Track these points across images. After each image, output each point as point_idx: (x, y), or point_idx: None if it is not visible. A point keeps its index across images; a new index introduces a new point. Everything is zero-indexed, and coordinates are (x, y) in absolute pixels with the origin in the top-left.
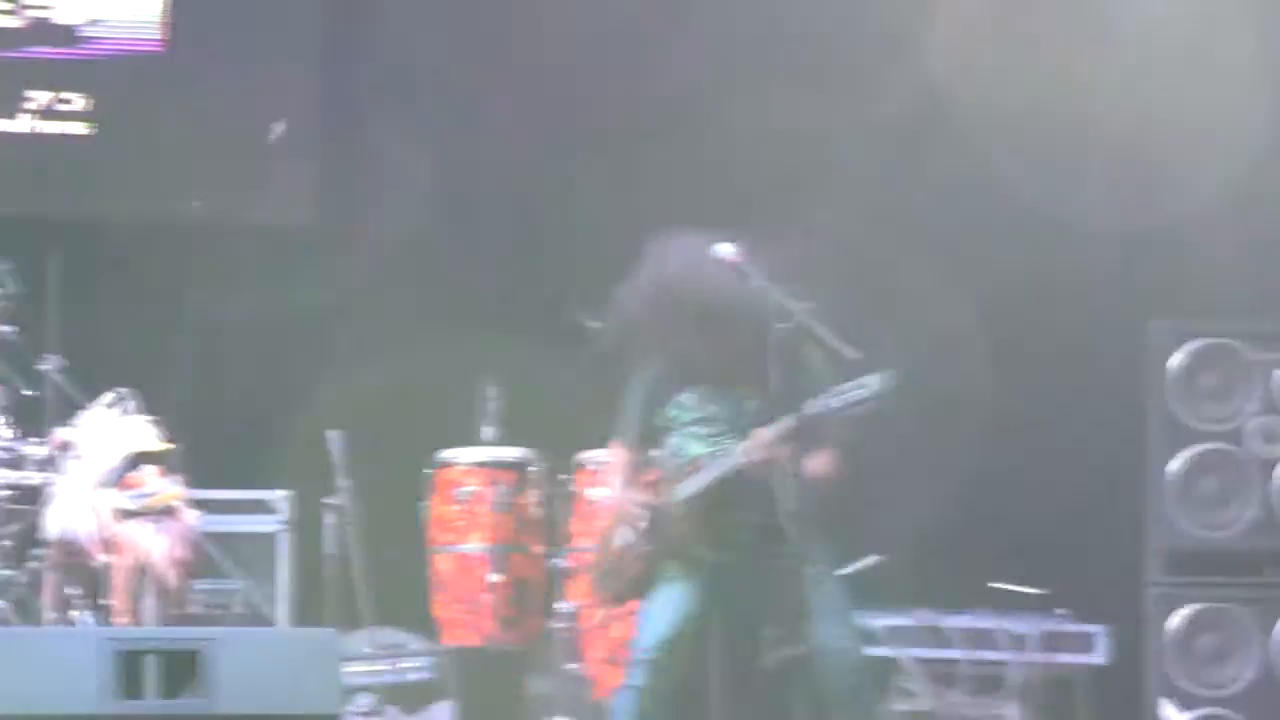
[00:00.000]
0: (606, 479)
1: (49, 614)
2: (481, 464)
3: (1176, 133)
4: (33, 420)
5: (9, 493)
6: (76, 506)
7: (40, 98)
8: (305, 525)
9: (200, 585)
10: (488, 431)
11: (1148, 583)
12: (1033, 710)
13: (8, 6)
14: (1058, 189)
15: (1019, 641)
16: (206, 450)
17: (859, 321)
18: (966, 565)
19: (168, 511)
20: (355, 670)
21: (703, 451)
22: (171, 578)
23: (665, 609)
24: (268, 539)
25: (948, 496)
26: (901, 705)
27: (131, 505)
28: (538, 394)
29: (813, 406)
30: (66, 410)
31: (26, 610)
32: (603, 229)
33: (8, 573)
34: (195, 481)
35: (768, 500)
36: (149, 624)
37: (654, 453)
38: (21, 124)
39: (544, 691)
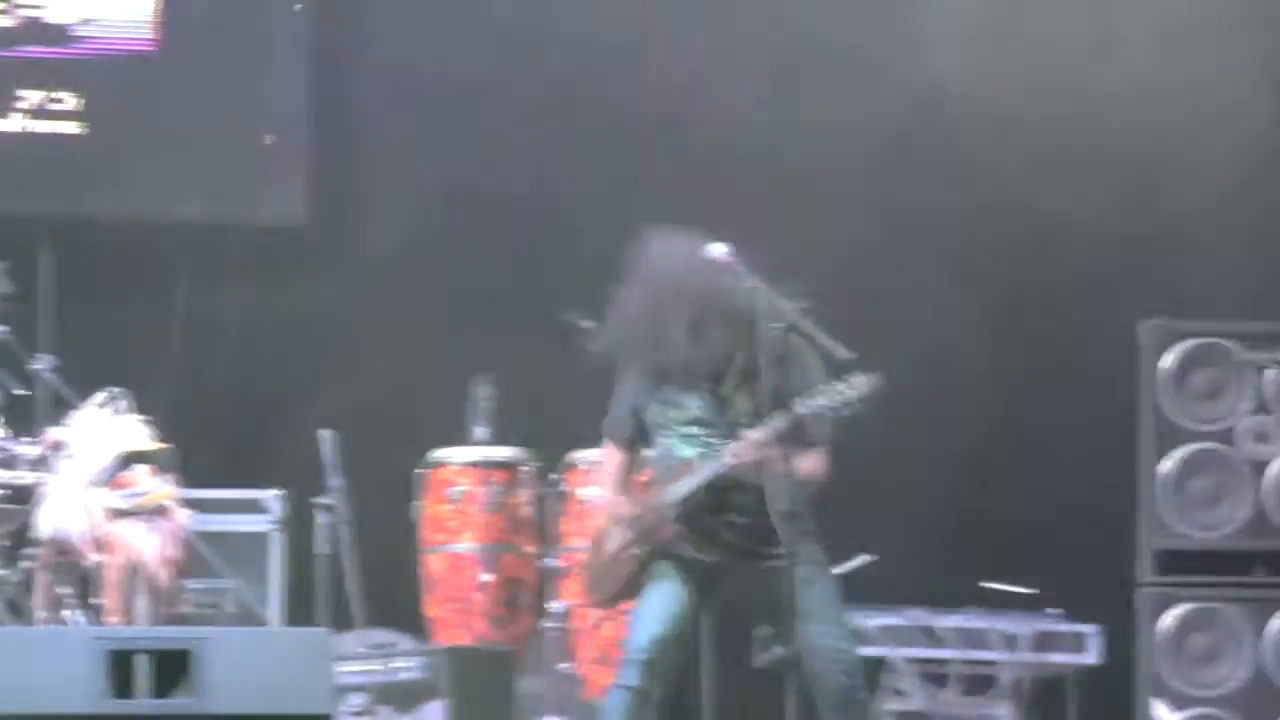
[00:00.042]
0: (599, 479)
1: (40, 613)
2: (473, 464)
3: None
4: (25, 420)
5: (1, 492)
6: (68, 506)
7: (32, 97)
8: (297, 525)
9: (192, 585)
10: (480, 431)
11: (1139, 583)
12: (1024, 710)
13: (0, 6)
14: (1050, 188)
15: (1011, 641)
16: (198, 450)
17: (851, 322)
18: (958, 565)
19: (160, 511)
20: (347, 670)
21: (693, 453)
22: (163, 577)
23: (657, 609)
24: (260, 539)
25: (939, 496)
26: (893, 705)
27: (123, 505)
28: (530, 394)
29: (803, 406)
30: (58, 410)
31: (18, 610)
32: (595, 229)
33: (0, 572)
34: (187, 481)
35: (758, 501)
36: (141, 623)
37: (646, 453)
38: (13, 123)
39: (535, 691)
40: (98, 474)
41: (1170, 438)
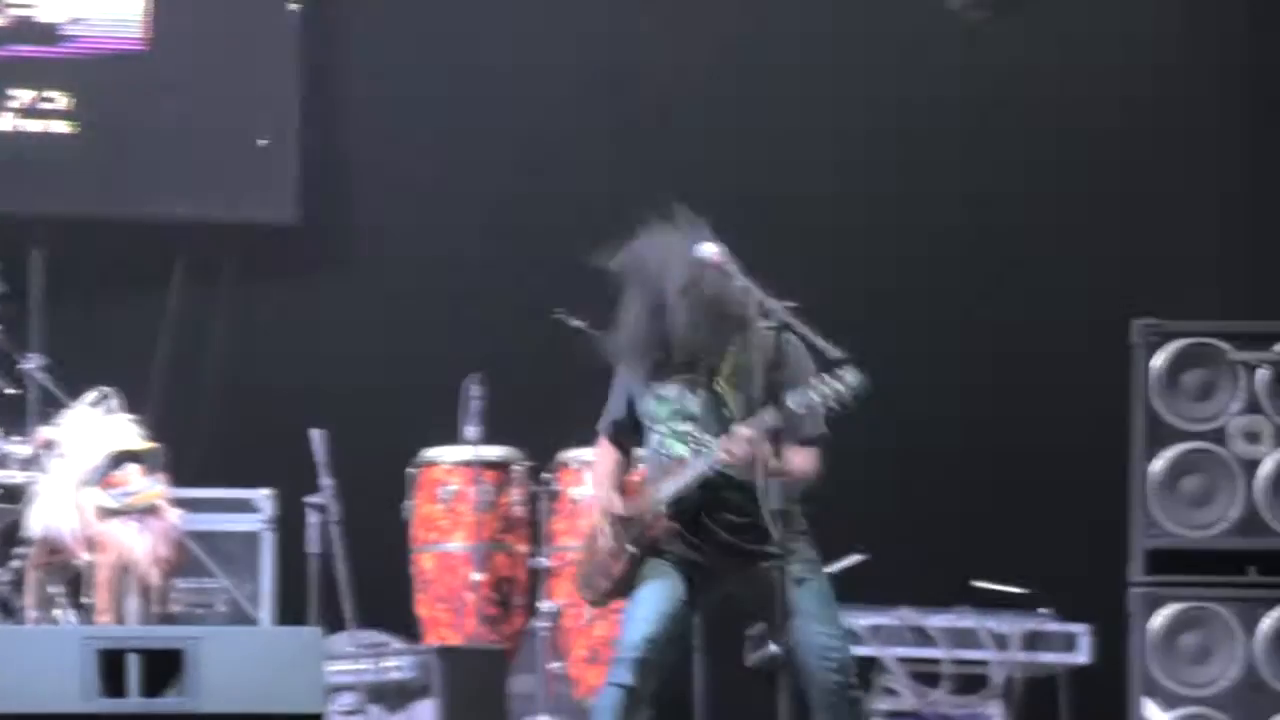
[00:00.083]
0: (592, 477)
1: (31, 613)
2: (465, 463)
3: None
4: (16, 419)
5: None
6: (59, 505)
7: (23, 96)
8: (288, 524)
9: (183, 584)
10: (471, 431)
11: (1130, 582)
12: (1015, 710)
13: None
14: (1043, 187)
15: (1001, 641)
16: (189, 449)
17: (842, 321)
18: (949, 564)
19: (151, 510)
20: (338, 669)
21: (686, 450)
22: (154, 576)
23: (649, 608)
24: (251, 538)
25: (930, 495)
26: (884, 704)
27: (114, 504)
28: (521, 393)
29: (793, 401)
30: (50, 409)
31: (9, 609)
32: (588, 228)
33: None
34: (178, 480)
35: (751, 499)
36: (132, 623)
37: (638, 451)
38: (4, 122)
39: (527, 690)
40: (89, 473)
41: (1161, 437)
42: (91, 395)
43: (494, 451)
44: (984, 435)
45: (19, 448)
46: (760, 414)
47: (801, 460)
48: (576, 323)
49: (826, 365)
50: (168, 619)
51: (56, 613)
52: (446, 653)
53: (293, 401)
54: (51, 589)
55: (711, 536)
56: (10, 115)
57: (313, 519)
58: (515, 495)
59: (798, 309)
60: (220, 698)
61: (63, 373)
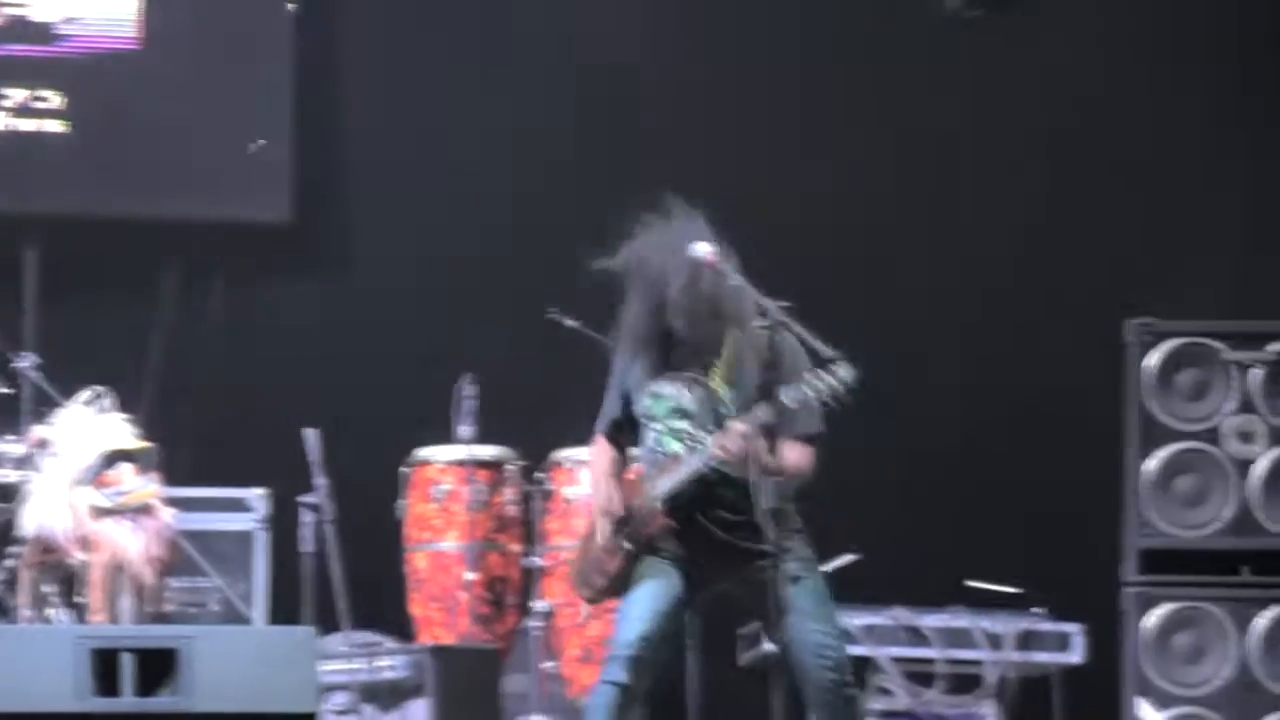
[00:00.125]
0: (589, 474)
1: (25, 612)
2: (458, 462)
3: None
4: (9, 418)
5: None
6: (53, 504)
7: (16, 95)
8: (281, 523)
9: (177, 583)
10: (464, 430)
11: (1124, 582)
12: (1009, 709)
13: None
14: (1035, 186)
15: (995, 640)
16: (183, 448)
17: (836, 321)
18: (943, 564)
19: (144, 509)
20: (331, 668)
21: (681, 447)
22: (148, 576)
23: (644, 606)
24: (244, 537)
25: (924, 495)
26: (878, 704)
27: (108, 503)
28: (514, 392)
29: (787, 397)
30: (43, 408)
31: (2, 608)
32: (581, 227)
33: None
34: (171, 479)
35: (746, 497)
36: (125, 622)
37: (634, 450)
38: None
39: (520, 690)
40: (82, 472)
41: (1155, 437)
42: (85, 394)
43: (487, 451)
44: (978, 434)
45: (12, 447)
46: (754, 410)
47: (796, 456)
48: (570, 322)
49: (820, 364)
50: (161, 618)
51: (50, 612)
52: (440, 652)
53: (286, 400)
54: (45, 588)
55: (706, 535)
56: (4, 114)
57: (306, 518)
58: (508, 495)
59: (791, 308)
60: (214, 697)
61: (56, 372)
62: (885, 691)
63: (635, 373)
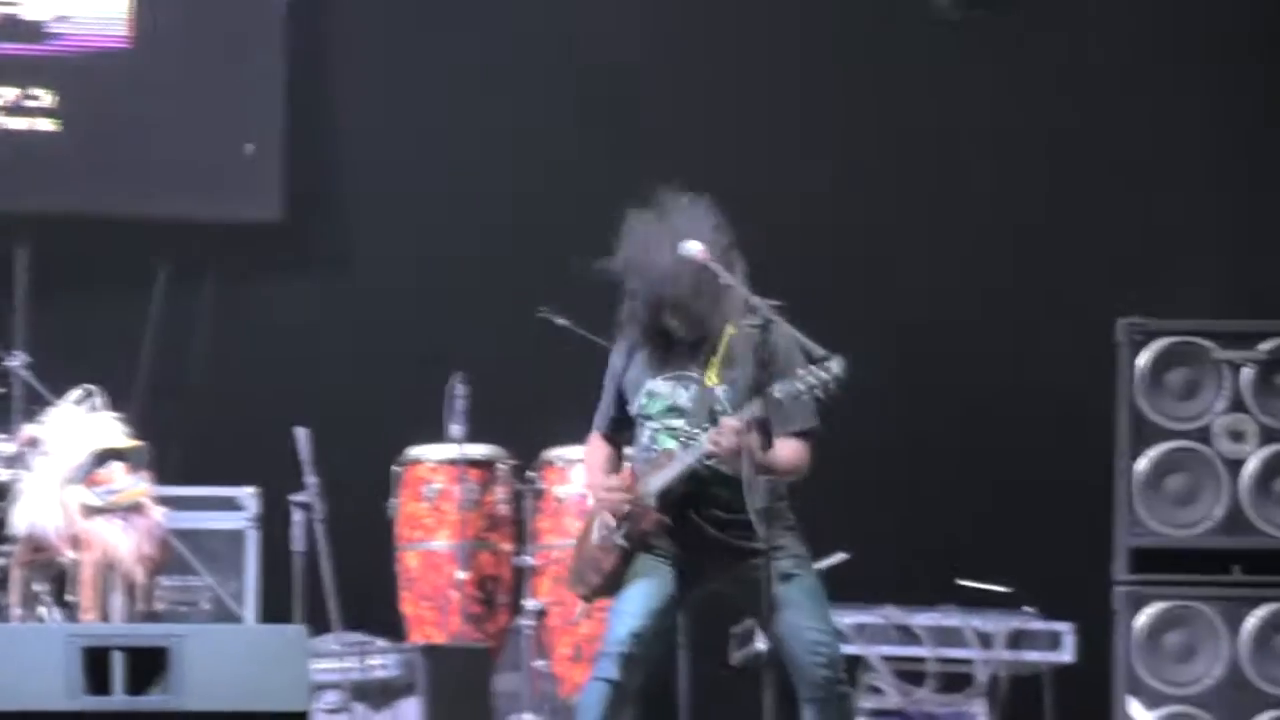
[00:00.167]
0: (585, 471)
1: (16, 610)
2: (449, 461)
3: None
4: (0, 416)
5: None
6: (44, 503)
7: (7, 94)
8: (272, 522)
9: (168, 582)
10: (455, 429)
11: (1115, 581)
12: (999, 708)
13: None
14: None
15: (986, 639)
16: (173, 447)
17: (827, 319)
18: (934, 563)
19: (135, 508)
20: (322, 667)
21: (675, 445)
22: (139, 574)
23: (637, 604)
24: (235, 536)
25: (915, 494)
26: (869, 702)
27: (99, 502)
28: (505, 391)
29: (780, 392)
30: (34, 406)
31: None
32: (572, 226)
33: None
34: (162, 478)
35: (738, 495)
36: (116, 621)
37: (628, 449)
38: None
39: (511, 688)
40: (73, 471)
41: (1146, 436)
42: (76, 393)
43: (479, 450)
44: (969, 434)
45: (3, 445)
46: (748, 406)
47: (790, 453)
48: (561, 321)
49: (812, 361)
50: (152, 617)
51: (41, 611)
52: (431, 651)
53: (277, 399)
54: (36, 587)
55: (700, 532)
56: None
57: (297, 517)
58: (500, 493)
59: (781, 306)
60: (205, 695)
61: (47, 370)
62: (876, 690)
63: (631, 372)
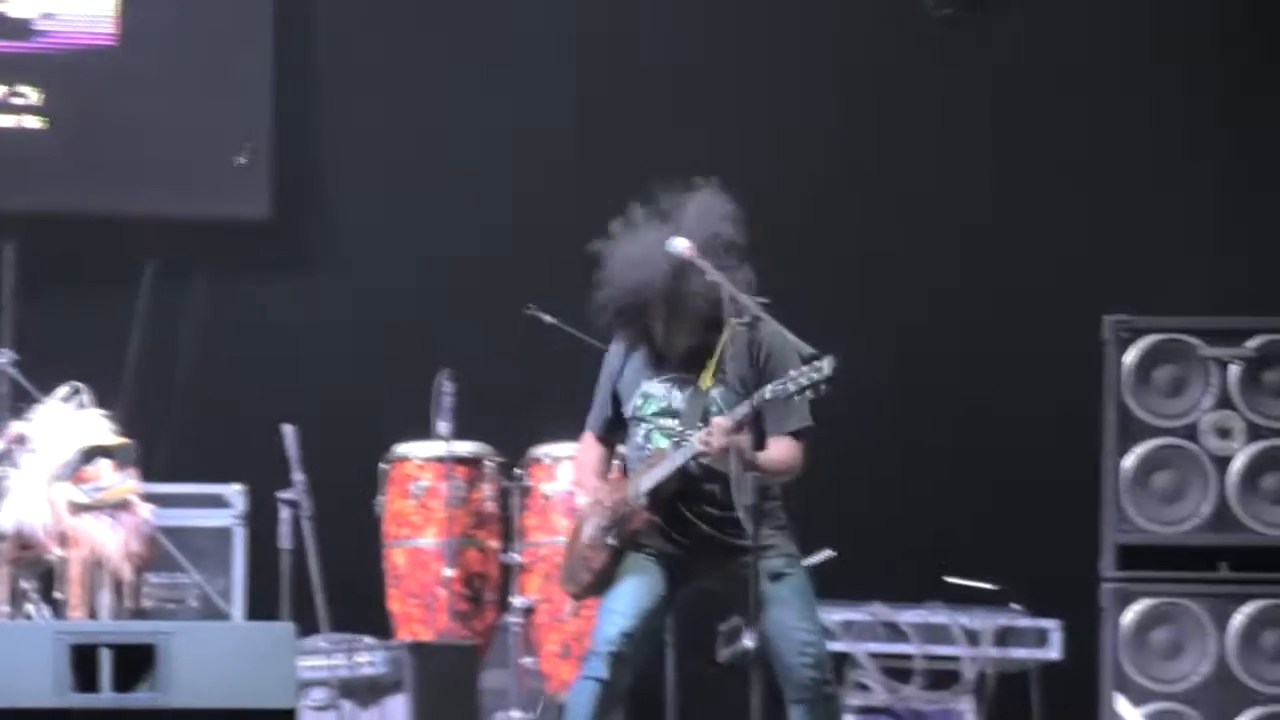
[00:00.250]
0: (576, 470)
1: (3, 608)
2: (436, 458)
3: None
4: None
5: None
6: (31, 500)
7: None
8: (260, 519)
9: (155, 579)
10: (443, 426)
11: (1102, 578)
12: (987, 705)
13: None
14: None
15: (973, 636)
16: (161, 444)
17: (816, 317)
18: (921, 560)
19: (122, 506)
20: (310, 664)
21: (667, 444)
22: (126, 572)
23: (627, 602)
24: (222, 533)
25: (902, 491)
26: (856, 700)
27: (86, 499)
28: (492, 388)
29: (772, 392)
30: (21, 404)
31: None
32: (560, 225)
33: None
34: (149, 475)
35: (727, 492)
36: (104, 618)
37: (620, 449)
38: None
39: (498, 685)
40: (60, 468)
41: (1133, 433)
42: (63, 390)
43: (466, 447)
44: (956, 431)
45: None
46: (739, 406)
47: (782, 452)
48: (549, 319)
49: (803, 362)
50: (140, 614)
51: (28, 608)
52: (418, 648)
53: (264, 396)
54: (24, 584)
55: (692, 530)
56: None
57: (284, 514)
58: (487, 491)
59: (768, 304)
60: (192, 693)
61: (34, 368)
62: (863, 687)
63: (627, 374)
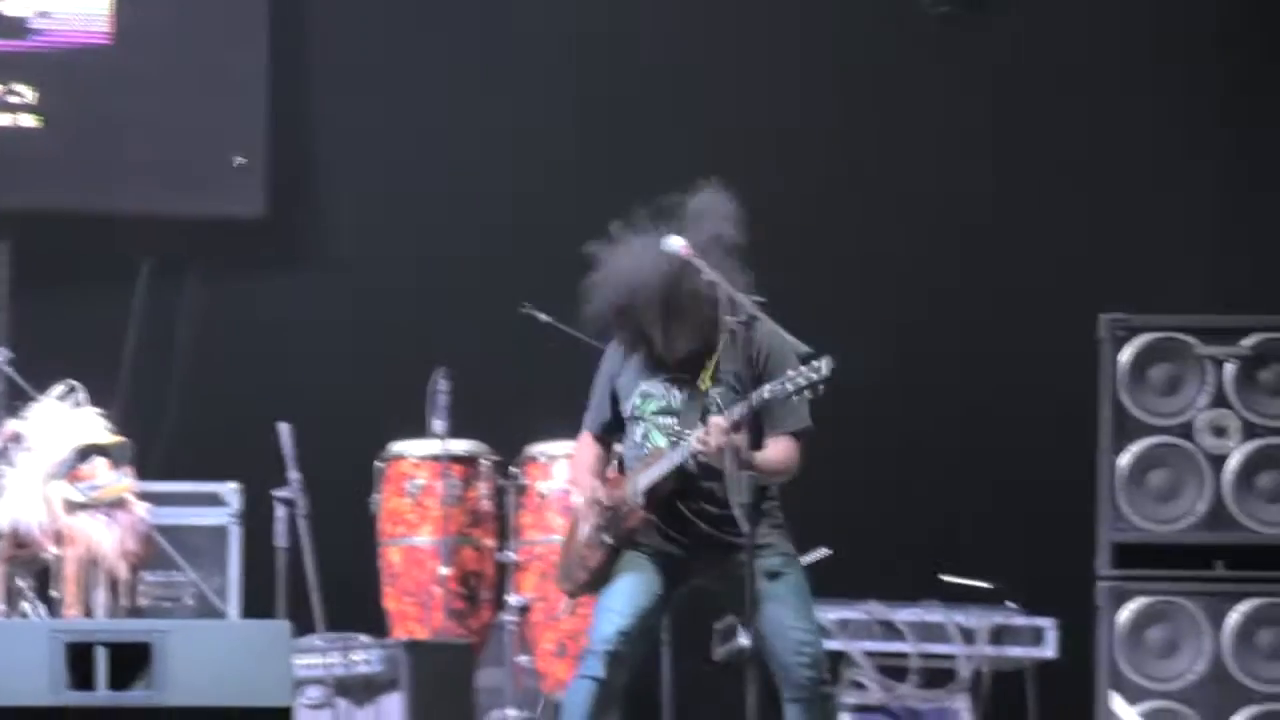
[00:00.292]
0: (573, 469)
1: None
2: (432, 457)
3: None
4: None
5: None
6: (27, 498)
7: None
8: (255, 518)
9: (151, 578)
10: (438, 424)
11: (1098, 576)
12: (982, 704)
13: None
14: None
15: (969, 635)
16: (156, 443)
17: (813, 317)
18: (916, 558)
19: (118, 504)
20: (305, 662)
21: (665, 443)
22: (122, 570)
23: (624, 601)
24: (218, 532)
25: (897, 490)
26: (851, 698)
27: (81, 498)
28: (488, 387)
29: (769, 392)
30: (16, 402)
31: None
32: (555, 224)
33: None
34: (145, 474)
35: (723, 491)
36: (99, 616)
37: (618, 448)
38: None
39: (494, 684)
40: (56, 467)
41: (1129, 431)
42: (58, 389)
43: (461, 445)
44: (952, 429)
45: None
46: (737, 405)
47: (779, 452)
48: (544, 317)
49: (800, 362)
50: (135, 612)
51: (24, 606)
52: (414, 646)
53: (260, 395)
54: (19, 582)
55: (690, 528)
56: None
57: (280, 513)
58: (482, 489)
59: (764, 303)
60: (188, 691)
61: (29, 366)
62: (859, 686)
63: (626, 374)
